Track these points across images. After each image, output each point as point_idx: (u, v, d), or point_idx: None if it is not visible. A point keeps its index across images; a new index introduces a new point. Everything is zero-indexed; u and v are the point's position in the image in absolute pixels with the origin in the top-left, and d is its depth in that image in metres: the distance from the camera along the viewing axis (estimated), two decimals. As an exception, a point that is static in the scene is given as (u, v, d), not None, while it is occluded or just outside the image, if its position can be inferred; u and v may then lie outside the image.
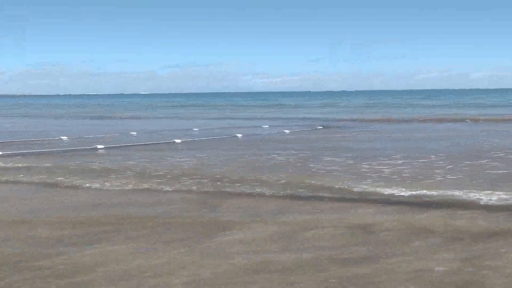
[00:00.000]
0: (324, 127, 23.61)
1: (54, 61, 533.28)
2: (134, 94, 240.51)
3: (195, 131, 21.75)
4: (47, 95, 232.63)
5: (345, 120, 28.69)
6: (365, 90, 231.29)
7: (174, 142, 16.30)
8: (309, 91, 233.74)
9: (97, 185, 8.93)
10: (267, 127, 23.86)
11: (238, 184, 8.75)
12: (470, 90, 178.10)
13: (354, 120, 28.31)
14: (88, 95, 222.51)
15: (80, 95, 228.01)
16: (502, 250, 5.01)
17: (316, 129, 22.74)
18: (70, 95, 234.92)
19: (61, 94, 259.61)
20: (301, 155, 12.81)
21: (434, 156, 12.02)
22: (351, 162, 11.38)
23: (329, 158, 12.02)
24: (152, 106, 62.29)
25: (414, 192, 7.81)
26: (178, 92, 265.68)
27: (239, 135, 18.68)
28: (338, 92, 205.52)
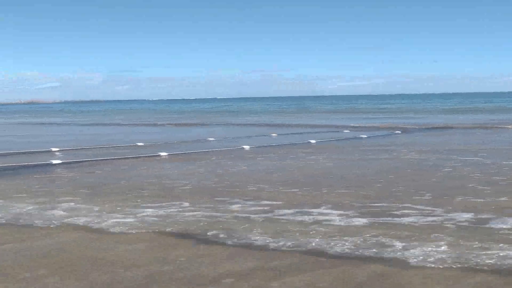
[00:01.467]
0: (403, 131, 23.21)
1: (129, 68, 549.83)
2: (212, 98, 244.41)
3: (274, 136, 21.81)
4: (127, 100, 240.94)
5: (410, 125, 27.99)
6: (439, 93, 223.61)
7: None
8: (380, 94, 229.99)
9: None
10: (347, 132, 23.70)
11: None
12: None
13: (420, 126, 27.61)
14: (168, 100, 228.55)
15: (158, 100, 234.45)
16: None
17: (395, 133, 22.41)
18: (148, 100, 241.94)
19: (139, 99, 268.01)
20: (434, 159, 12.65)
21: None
22: None
23: (468, 158, 11.76)
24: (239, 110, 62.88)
25: None
26: (251, 97, 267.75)
27: (313, 141, 18.47)
28: (411, 95, 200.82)
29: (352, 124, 29.27)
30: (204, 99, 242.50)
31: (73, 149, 16.87)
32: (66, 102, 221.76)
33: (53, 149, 16.46)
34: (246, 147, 16.41)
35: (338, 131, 24.19)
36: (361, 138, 20.01)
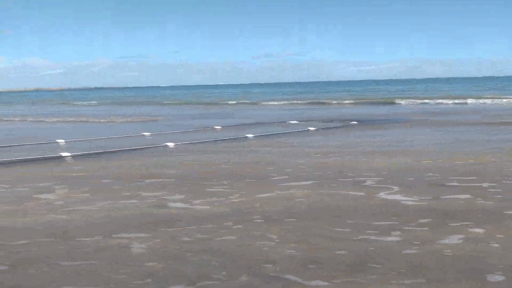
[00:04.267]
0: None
1: (136, 54, 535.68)
2: (226, 84, 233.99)
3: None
4: (134, 87, 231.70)
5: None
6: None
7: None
8: (412, 78, 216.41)
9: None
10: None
11: None
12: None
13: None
14: (178, 86, 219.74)
15: (169, 86, 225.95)
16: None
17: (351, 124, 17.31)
18: (159, 86, 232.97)
19: (145, 86, 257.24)
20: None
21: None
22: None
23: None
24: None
25: None
26: (271, 83, 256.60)
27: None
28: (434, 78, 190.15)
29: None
30: (207, 85, 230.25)
31: None
32: (70, 90, 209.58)
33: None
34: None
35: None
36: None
